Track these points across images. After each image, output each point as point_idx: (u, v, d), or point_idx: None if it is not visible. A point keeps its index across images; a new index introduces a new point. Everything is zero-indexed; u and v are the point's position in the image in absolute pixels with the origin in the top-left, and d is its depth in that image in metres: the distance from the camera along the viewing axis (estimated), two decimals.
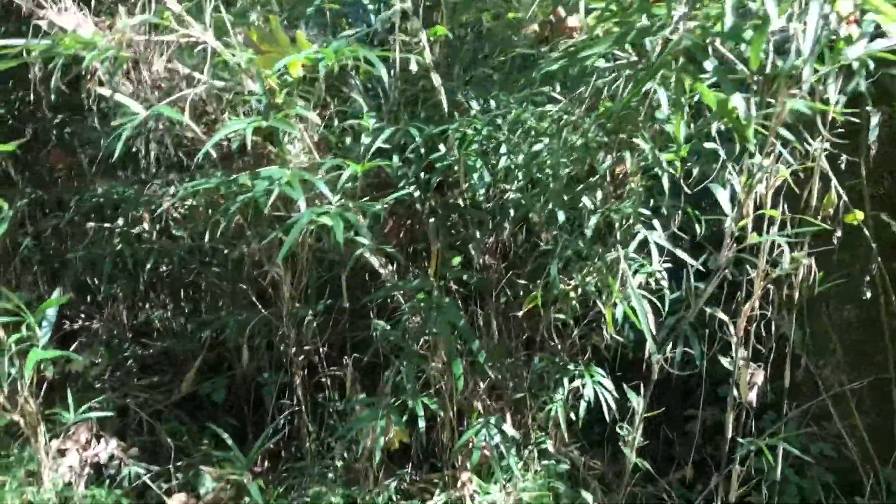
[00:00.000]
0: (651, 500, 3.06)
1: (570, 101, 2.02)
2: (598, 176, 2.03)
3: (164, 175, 3.22)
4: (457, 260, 2.67)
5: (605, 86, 1.89)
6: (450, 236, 2.65)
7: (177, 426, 3.06)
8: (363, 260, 2.62)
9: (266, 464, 3.10)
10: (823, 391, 2.90)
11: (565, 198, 2.04)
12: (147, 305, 3.37)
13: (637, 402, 2.06)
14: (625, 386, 2.17)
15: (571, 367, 2.65)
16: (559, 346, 2.73)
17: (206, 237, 3.04)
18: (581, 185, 2.13)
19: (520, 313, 2.44)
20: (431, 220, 2.60)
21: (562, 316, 2.64)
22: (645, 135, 1.91)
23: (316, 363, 2.91)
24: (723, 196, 1.63)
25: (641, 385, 2.33)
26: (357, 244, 2.52)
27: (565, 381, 2.60)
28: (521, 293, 2.75)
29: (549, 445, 2.73)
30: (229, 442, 2.35)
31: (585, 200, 2.06)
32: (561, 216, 2.06)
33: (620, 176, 2.24)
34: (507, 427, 2.49)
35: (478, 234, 2.70)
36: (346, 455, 2.87)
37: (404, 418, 2.41)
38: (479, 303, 2.81)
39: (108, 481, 2.73)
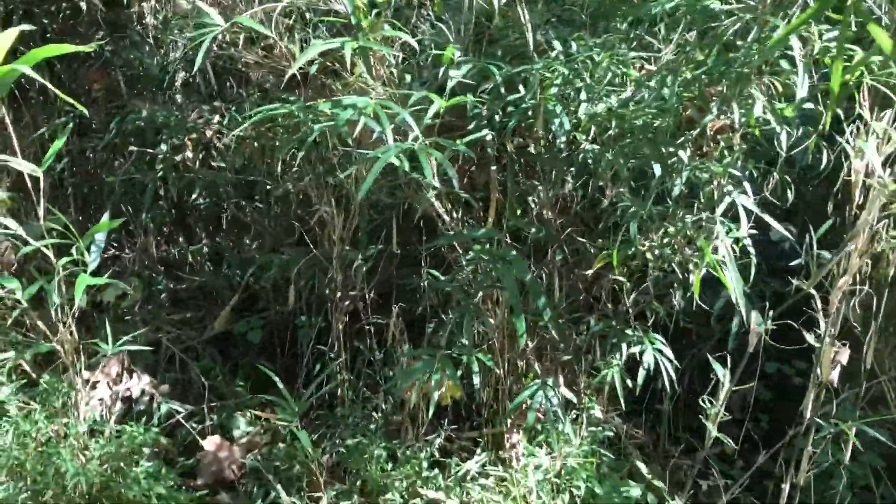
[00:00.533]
0: (690, 473, 2.98)
1: (678, 46, 1.86)
2: (697, 130, 1.88)
3: (205, 101, 3.07)
4: (517, 212, 2.54)
5: (720, 31, 1.72)
6: (513, 186, 2.50)
7: (210, 364, 2.95)
8: (421, 205, 2.49)
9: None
10: (880, 374, 2.79)
11: (663, 150, 1.88)
12: (181, 238, 3.23)
13: (723, 375, 1.94)
14: (710, 357, 2.04)
15: (629, 331, 2.53)
16: (617, 309, 2.61)
17: (250, 170, 2.91)
18: (674, 139, 1.97)
19: (589, 272, 2.30)
20: (493, 167, 2.45)
21: (621, 278, 2.53)
22: (758, 87, 1.75)
23: (359, 310, 2.78)
24: (870, 149, 1.49)
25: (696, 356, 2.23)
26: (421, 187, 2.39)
27: (623, 345, 2.49)
28: (580, 251, 2.63)
29: (598, 411, 2.62)
30: (281, 387, 2.24)
31: (682, 155, 1.91)
32: (658, 170, 1.91)
33: (712, 132, 2.09)
34: (565, 390, 2.37)
35: (539, 186, 2.56)
36: (384, 406, 2.77)
37: (459, 373, 2.30)
38: (532, 259, 2.68)
39: (139, 417, 2.64)
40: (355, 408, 2.74)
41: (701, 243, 1.89)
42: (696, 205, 2.18)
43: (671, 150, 1.92)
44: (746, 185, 2.08)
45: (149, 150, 2.81)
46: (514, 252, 2.23)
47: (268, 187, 2.92)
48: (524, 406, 2.41)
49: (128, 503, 2.21)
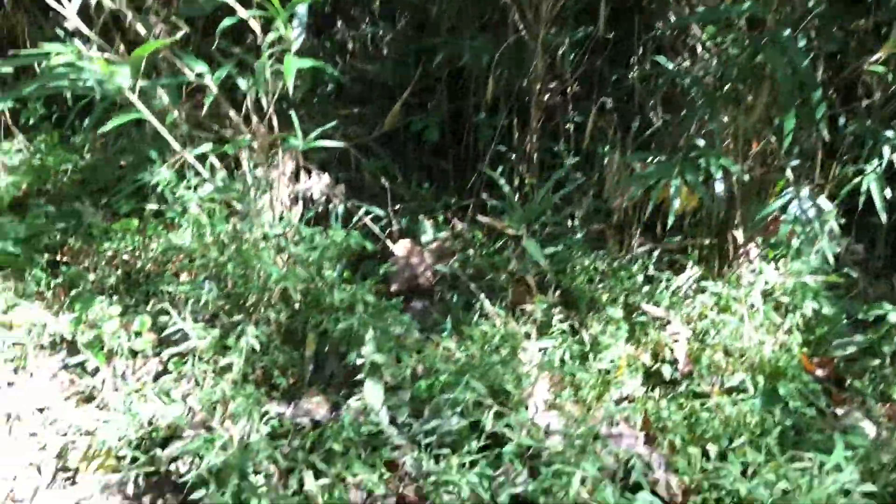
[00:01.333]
0: None
1: None
2: None
3: None
4: None
5: None
6: None
7: (384, 163, 2.70)
8: None
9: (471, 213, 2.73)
10: None
11: None
12: (341, 23, 2.86)
13: None
14: None
15: (890, 133, 2.14)
16: (873, 106, 2.21)
17: None
18: None
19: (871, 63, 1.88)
20: None
21: (880, 69, 2.10)
22: None
23: (556, 105, 2.45)
24: None
25: None
26: None
27: (885, 149, 2.11)
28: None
29: (835, 224, 2.29)
30: (506, 189, 1.97)
31: None
32: None
33: None
34: (823, 200, 2.04)
35: None
36: (578, 213, 2.49)
37: (700, 179, 1.98)
38: None
39: (317, 219, 2.44)
40: (549, 214, 2.46)
41: None
42: None
43: None
44: None
45: None
46: (787, 32, 1.81)
47: None
48: (769, 218, 2.09)
49: (329, 308, 2.05)
